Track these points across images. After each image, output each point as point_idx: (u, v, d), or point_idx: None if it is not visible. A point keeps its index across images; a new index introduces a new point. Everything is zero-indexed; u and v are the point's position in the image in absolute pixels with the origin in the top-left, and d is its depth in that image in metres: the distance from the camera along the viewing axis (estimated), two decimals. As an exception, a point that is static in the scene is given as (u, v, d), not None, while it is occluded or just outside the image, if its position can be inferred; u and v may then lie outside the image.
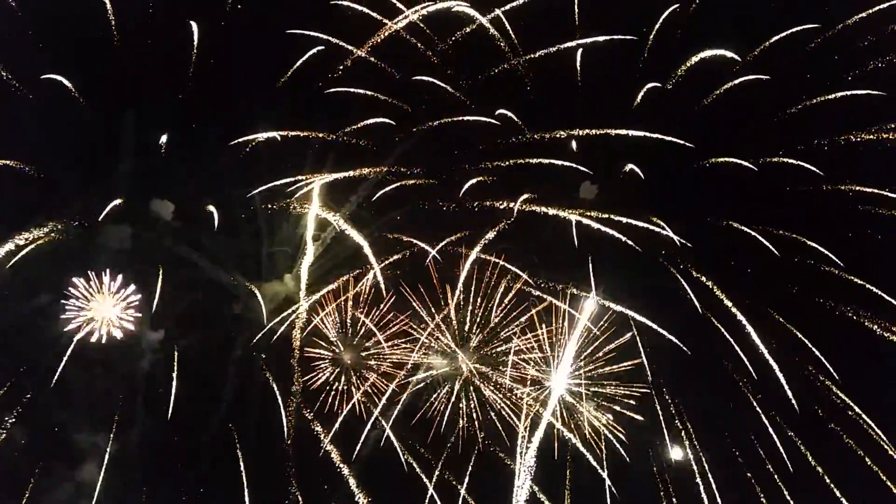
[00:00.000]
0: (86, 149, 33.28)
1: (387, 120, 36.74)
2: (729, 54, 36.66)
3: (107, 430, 35.04)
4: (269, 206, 35.38)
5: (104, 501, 34.50)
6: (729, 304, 36.05)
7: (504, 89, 37.08)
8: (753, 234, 36.71)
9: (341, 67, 35.94)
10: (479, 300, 36.47)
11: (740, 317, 35.73)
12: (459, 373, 36.46)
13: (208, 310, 35.82)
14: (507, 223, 36.72)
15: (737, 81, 36.52)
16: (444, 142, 37.05)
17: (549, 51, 36.85)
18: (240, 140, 34.83)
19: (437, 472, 35.91)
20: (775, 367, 35.27)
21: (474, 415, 36.46)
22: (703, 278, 36.65)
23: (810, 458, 36.37)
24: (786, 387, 35.33)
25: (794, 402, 35.31)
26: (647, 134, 36.31)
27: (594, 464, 36.37)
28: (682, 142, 35.87)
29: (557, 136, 37.14)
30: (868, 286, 35.62)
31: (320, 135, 35.56)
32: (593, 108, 36.72)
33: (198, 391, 36.02)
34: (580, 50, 36.69)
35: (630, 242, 35.20)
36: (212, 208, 35.70)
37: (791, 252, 36.82)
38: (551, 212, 36.13)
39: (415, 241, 36.47)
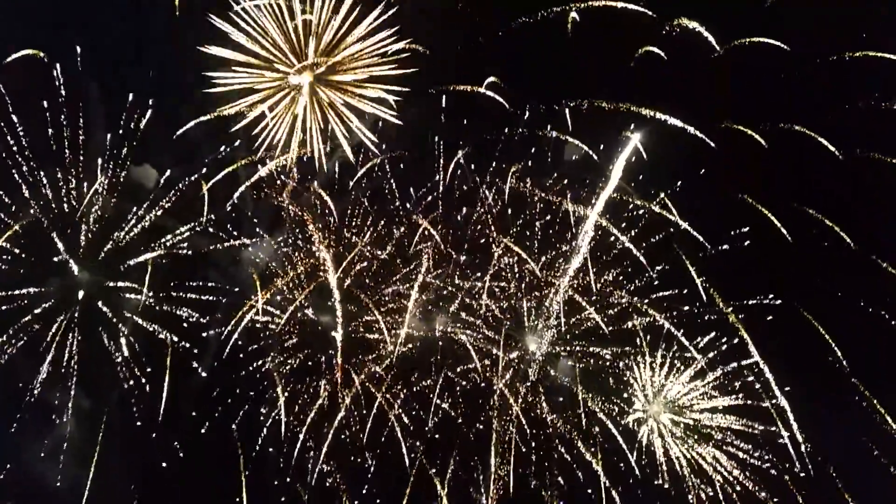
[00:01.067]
0: (61, 123, 33.76)
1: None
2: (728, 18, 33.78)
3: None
4: (249, 176, 35.30)
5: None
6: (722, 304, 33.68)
7: (492, 58, 35.54)
8: (765, 211, 33.96)
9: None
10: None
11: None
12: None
13: (191, 278, 36.08)
14: (495, 197, 35.62)
15: (741, 42, 33.56)
16: (429, 114, 35.88)
17: (538, 16, 35.06)
18: (221, 110, 34.90)
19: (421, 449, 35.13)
20: (770, 375, 32.53)
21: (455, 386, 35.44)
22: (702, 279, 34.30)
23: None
24: (780, 395, 32.52)
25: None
26: (648, 111, 34.22)
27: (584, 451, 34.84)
28: (673, 119, 33.39)
29: (549, 106, 35.45)
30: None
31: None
32: (586, 75, 34.71)
33: (183, 360, 36.43)
34: (572, 15, 34.75)
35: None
36: (202, 182, 35.95)
37: (806, 233, 33.81)
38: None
39: (401, 214, 36.03)
